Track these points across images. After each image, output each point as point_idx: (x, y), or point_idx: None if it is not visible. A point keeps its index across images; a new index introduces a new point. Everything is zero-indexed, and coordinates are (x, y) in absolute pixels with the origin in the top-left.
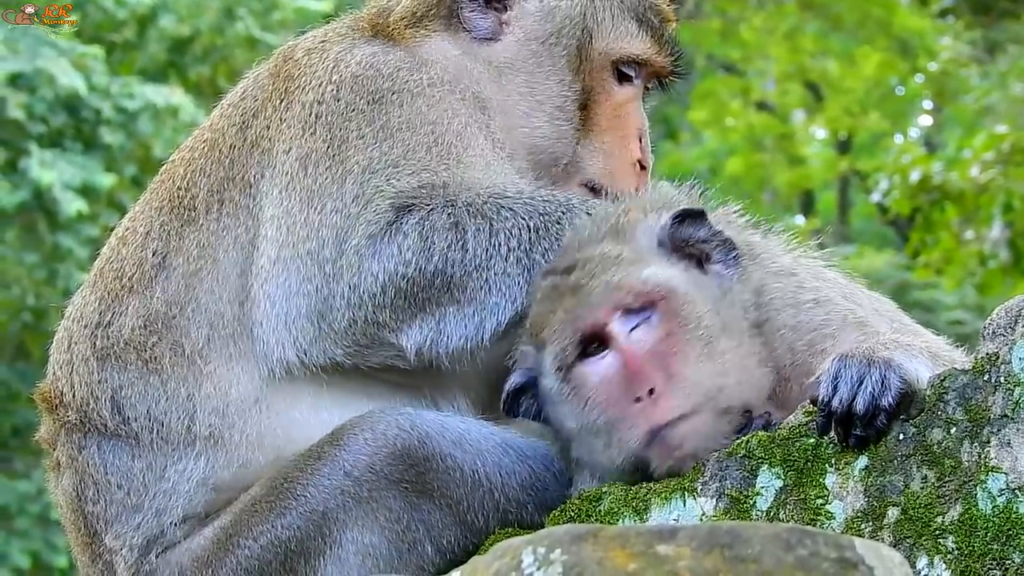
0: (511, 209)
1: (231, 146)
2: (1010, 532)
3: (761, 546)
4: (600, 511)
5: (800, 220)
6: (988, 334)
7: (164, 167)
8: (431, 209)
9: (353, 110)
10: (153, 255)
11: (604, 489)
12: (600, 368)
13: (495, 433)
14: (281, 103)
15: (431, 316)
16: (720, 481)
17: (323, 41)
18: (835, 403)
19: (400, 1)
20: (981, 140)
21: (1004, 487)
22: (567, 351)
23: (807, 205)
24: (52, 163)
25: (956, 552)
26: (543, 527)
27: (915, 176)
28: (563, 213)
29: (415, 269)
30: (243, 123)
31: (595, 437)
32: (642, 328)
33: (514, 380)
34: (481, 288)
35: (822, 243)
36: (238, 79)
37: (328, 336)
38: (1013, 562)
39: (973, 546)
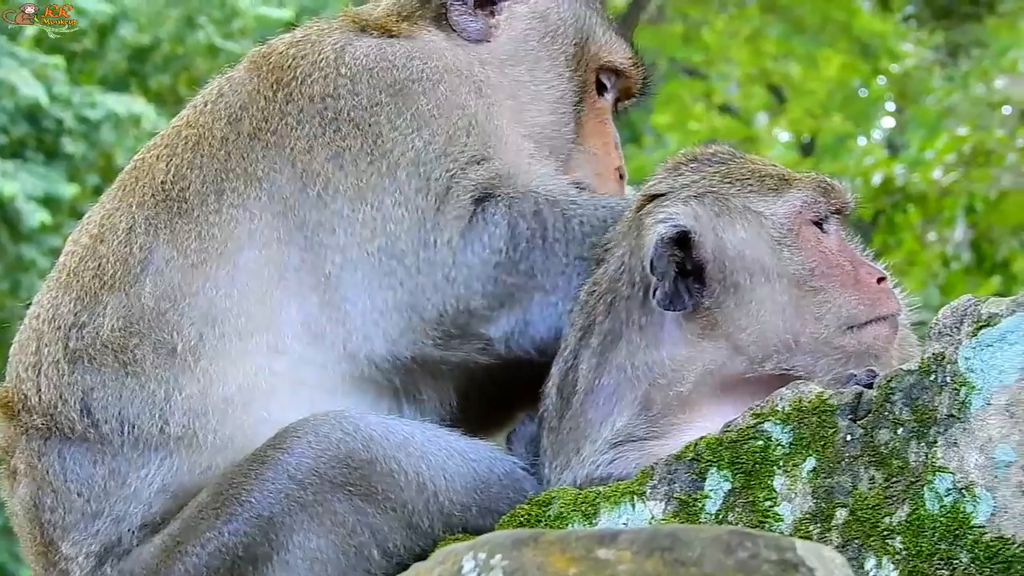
0: (576, 203)
1: (223, 139)
2: (957, 532)
3: (702, 549)
4: (549, 516)
5: None
6: (934, 334)
7: (132, 166)
8: (512, 198)
9: (376, 104)
10: (140, 250)
11: (553, 494)
12: (836, 240)
13: (440, 436)
14: (276, 94)
15: (518, 304)
16: (669, 484)
17: (304, 36)
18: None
19: (379, 4)
20: (943, 142)
21: (951, 487)
22: (824, 209)
23: None
24: (14, 174)
25: (904, 552)
26: (489, 529)
27: (877, 179)
28: (608, 212)
29: (505, 256)
30: (230, 116)
31: (817, 291)
32: None
33: (664, 230)
34: (562, 273)
35: None
36: (199, 87)
37: (418, 327)
38: (960, 562)
39: (921, 546)
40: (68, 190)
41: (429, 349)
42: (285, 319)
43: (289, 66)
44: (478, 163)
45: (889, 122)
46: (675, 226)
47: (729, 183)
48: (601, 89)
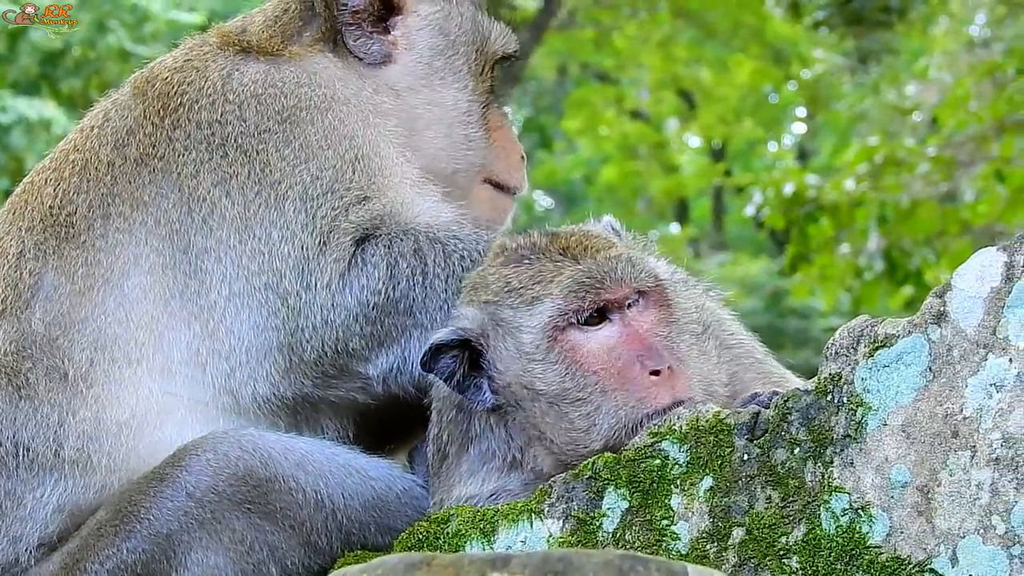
0: (458, 238)
1: (109, 163)
2: (853, 552)
3: (594, 573)
4: (448, 533)
5: (675, 228)
6: (831, 355)
7: (22, 189)
8: (392, 238)
9: (265, 131)
10: (29, 275)
11: (451, 512)
12: (601, 338)
13: (338, 454)
14: (163, 120)
15: (397, 343)
16: (567, 503)
17: (187, 60)
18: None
19: (253, 20)
20: (854, 153)
21: (847, 507)
22: (576, 314)
23: (682, 213)
24: None
25: (800, 572)
26: (388, 547)
27: (788, 189)
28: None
29: (384, 297)
30: (117, 141)
31: (580, 402)
32: (636, 310)
33: (441, 336)
34: (440, 308)
35: (698, 252)
36: (111, 91)
37: (298, 368)
38: None
39: (817, 566)
40: None
41: (309, 389)
42: (173, 345)
43: (175, 92)
44: (361, 202)
45: (800, 128)
46: (453, 332)
47: (508, 292)
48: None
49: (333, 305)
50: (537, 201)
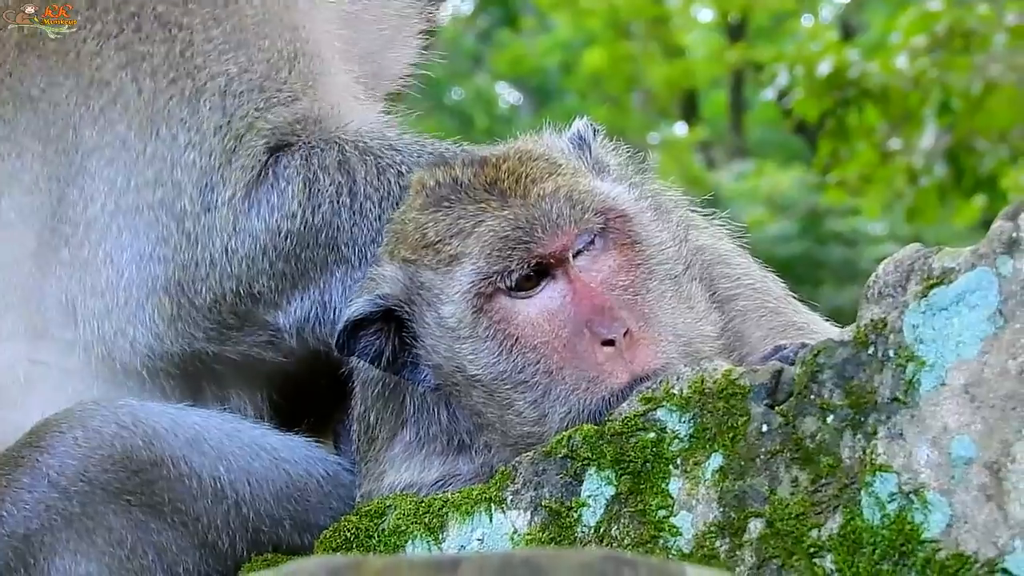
0: (395, 148)
1: None
2: (903, 548)
3: None
4: (383, 530)
5: (682, 129)
6: (873, 295)
7: None
8: (312, 148)
9: (192, 1)
10: None
11: (388, 502)
12: (539, 303)
13: (242, 431)
14: None
15: (314, 284)
16: (536, 489)
17: None
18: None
19: None
20: (910, 20)
21: (895, 491)
22: (503, 276)
23: (690, 110)
24: None
25: (836, 574)
26: (308, 548)
27: (824, 68)
28: (435, 160)
29: (300, 223)
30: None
31: (524, 387)
32: (588, 256)
33: (358, 308)
34: (374, 240)
35: (711, 160)
36: None
37: (188, 314)
38: None
39: (857, 566)
40: None
41: (201, 343)
42: (45, 292)
43: None
44: (287, 105)
45: None
46: (371, 303)
47: (425, 248)
48: None
49: (236, 230)
50: (501, 96)
